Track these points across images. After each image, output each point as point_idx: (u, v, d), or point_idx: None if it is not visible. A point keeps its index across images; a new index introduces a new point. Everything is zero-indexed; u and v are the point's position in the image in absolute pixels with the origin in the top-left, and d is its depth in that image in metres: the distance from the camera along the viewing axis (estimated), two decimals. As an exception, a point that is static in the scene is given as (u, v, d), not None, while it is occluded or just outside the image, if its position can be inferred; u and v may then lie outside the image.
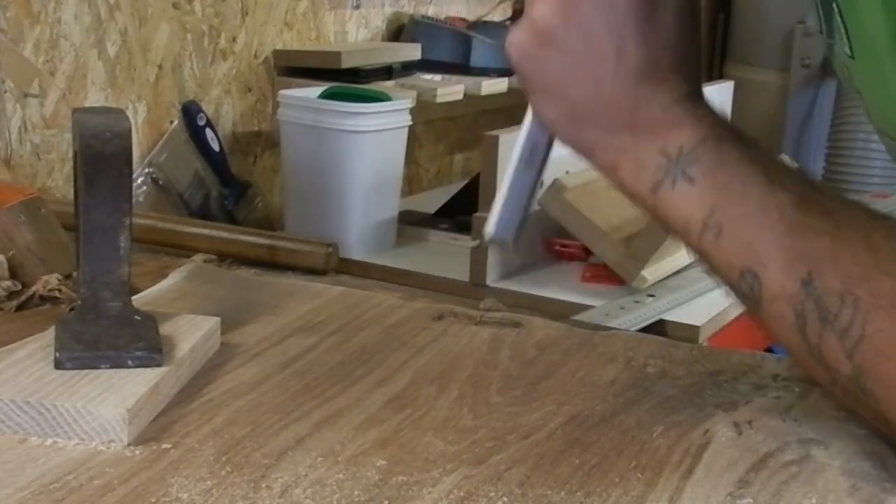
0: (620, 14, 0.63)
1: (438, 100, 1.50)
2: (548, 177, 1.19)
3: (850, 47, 0.64)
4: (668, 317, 1.08)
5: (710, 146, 0.62)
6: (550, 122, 0.67)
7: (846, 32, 0.64)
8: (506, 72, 1.70)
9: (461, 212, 1.35)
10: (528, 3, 0.67)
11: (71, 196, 0.74)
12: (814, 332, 0.57)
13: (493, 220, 0.73)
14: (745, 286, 0.60)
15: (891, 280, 0.54)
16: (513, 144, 0.72)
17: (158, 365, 0.63)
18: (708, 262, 0.62)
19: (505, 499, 0.53)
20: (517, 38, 0.66)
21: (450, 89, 1.53)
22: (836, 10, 0.65)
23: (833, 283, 0.56)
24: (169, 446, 0.58)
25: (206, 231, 1.05)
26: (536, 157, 0.73)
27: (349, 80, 1.43)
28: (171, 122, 1.36)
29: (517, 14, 2.03)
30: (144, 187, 1.32)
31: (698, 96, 0.65)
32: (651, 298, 1.11)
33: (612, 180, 0.66)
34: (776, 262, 0.58)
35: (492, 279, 1.14)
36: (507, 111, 1.92)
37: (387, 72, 1.56)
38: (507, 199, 0.73)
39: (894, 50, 0.60)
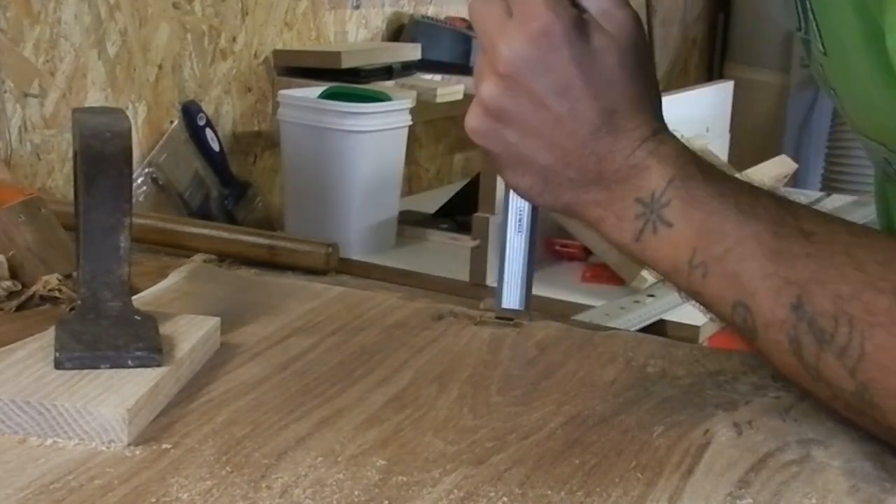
0: (562, 74, 0.64)
1: (438, 100, 1.50)
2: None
3: (823, 44, 0.65)
4: (668, 317, 1.08)
5: (678, 186, 0.62)
6: (526, 193, 0.69)
7: (818, 30, 0.65)
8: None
9: (461, 212, 1.35)
10: (474, 86, 0.68)
11: (71, 196, 0.74)
12: (810, 353, 0.57)
13: (503, 294, 0.78)
14: (738, 318, 0.60)
15: (883, 296, 0.55)
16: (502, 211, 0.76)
17: (158, 365, 0.63)
18: (700, 300, 0.63)
19: (505, 499, 0.53)
20: (472, 122, 0.68)
21: (450, 89, 1.53)
22: (808, 6, 0.65)
23: (824, 304, 0.56)
24: (169, 446, 0.58)
25: (206, 231, 1.05)
26: (525, 223, 0.76)
27: (349, 80, 1.43)
28: (171, 122, 1.36)
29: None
30: (144, 187, 1.32)
31: (660, 130, 0.66)
32: (651, 298, 1.11)
33: (598, 232, 0.67)
34: (763, 290, 0.58)
35: (492, 279, 1.14)
36: (507, 111, 1.92)
37: (387, 72, 1.56)
38: (509, 270, 0.77)
39: (865, 48, 0.60)
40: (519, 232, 0.77)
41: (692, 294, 0.63)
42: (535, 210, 0.77)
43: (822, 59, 0.66)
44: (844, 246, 0.57)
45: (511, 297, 0.79)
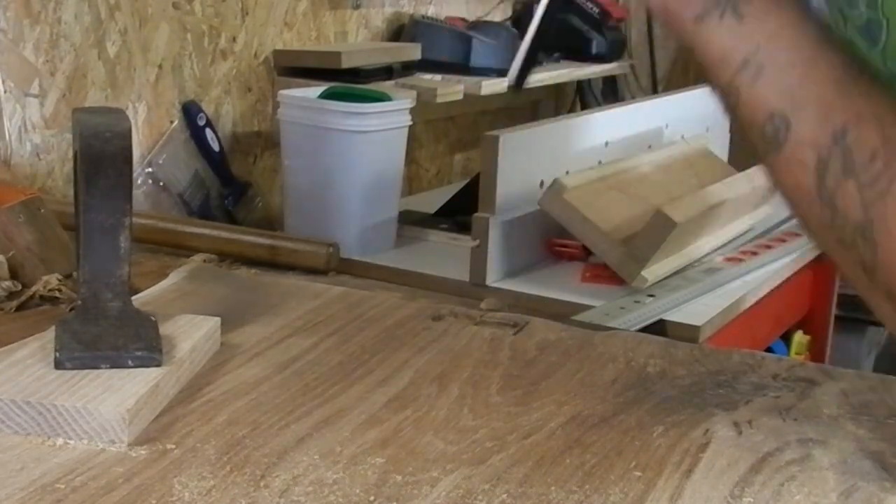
0: None
1: (438, 100, 1.50)
2: (548, 177, 1.19)
3: None
4: (668, 317, 1.08)
5: None
6: None
7: None
8: (506, 72, 1.70)
9: (461, 212, 1.35)
10: None
11: (71, 196, 0.74)
12: (833, 178, 0.58)
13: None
14: (769, 129, 0.60)
15: None
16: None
17: (158, 365, 0.63)
18: (730, 100, 0.62)
19: (505, 498, 0.54)
20: None
21: (450, 89, 1.53)
22: None
23: (870, 139, 0.57)
24: (170, 446, 0.58)
25: (206, 231, 1.05)
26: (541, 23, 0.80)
27: (349, 80, 1.43)
28: (171, 122, 1.35)
29: (517, 14, 2.03)
30: (144, 187, 1.32)
31: None
32: (651, 298, 1.11)
33: (658, 8, 0.65)
34: (813, 111, 0.59)
35: (492, 279, 1.14)
36: (507, 111, 1.92)
37: (387, 72, 1.55)
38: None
39: None
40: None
41: (726, 91, 0.62)
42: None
43: None
44: None
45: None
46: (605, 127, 1.35)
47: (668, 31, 0.66)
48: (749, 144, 0.63)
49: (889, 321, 0.59)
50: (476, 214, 1.15)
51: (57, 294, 0.83)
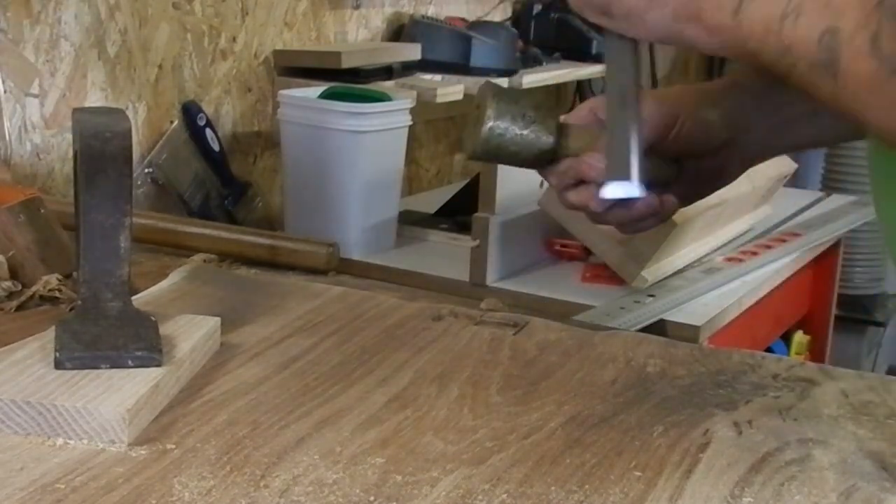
0: None
1: (438, 100, 1.50)
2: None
3: None
4: (668, 317, 1.08)
5: None
6: (634, 8, 0.69)
7: None
8: (506, 72, 1.70)
9: (461, 212, 1.35)
10: None
11: (71, 196, 0.74)
12: (889, 39, 0.58)
13: (613, 170, 0.70)
14: (823, 51, 0.61)
15: None
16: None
17: (158, 365, 0.63)
18: (787, 55, 0.63)
19: (505, 498, 0.54)
20: None
21: (450, 89, 1.53)
22: None
23: None
24: (170, 446, 0.58)
25: (206, 231, 1.05)
26: (628, 98, 0.73)
27: (349, 80, 1.43)
28: (171, 122, 1.36)
29: (517, 14, 2.03)
30: (144, 187, 1.32)
31: None
32: (651, 298, 1.11)
33: (696, 33, 0.67)
34: (851, 4, 0.60)
35: (492, 279, 1.14)
36: (507, 111, 1.92)
37: (387, 72, 1.56)
38: (618, 146, 0.71)
39: None
40: (622, 109, 0.74)
41: (780, 52, 0.64)
42: (635, 84, 0.74)
43: None
44: None
45: (618, 171, 0.70)
46: (605, 127, 1.35)
47: (712, 38, 0.67)
48: (817, 99, 0.63)
49: None
50: (476, 214, 1.15)
51: (57, 294, 0.83)
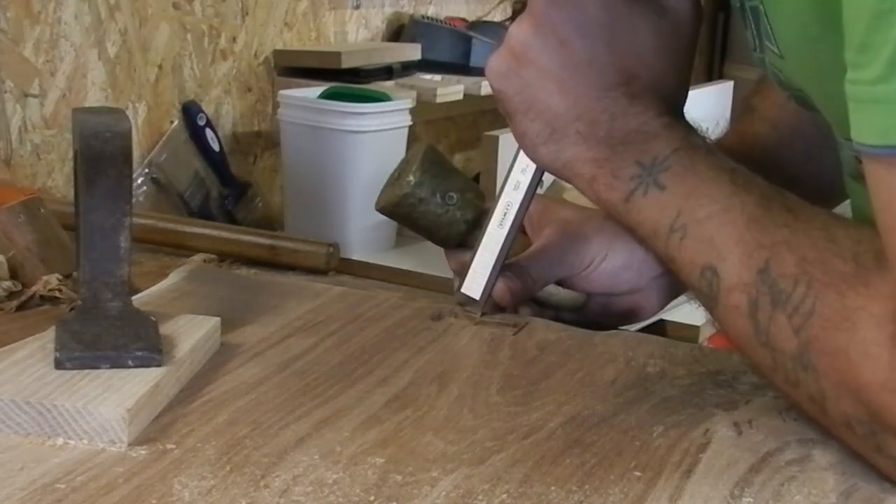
0: (591, 18, 0.65)
1: (438, 100, 1.50)
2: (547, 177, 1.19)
3: (778, 46, 0.65)
4: (668, 317, 1.08)
5: (682, 155, 0.64)
6: (531, 141, 0.69)
7: (772, 31, 0.65)
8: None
9: (461, 212, 1.35)
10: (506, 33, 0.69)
11: (71, 196, 0.74)
12: (765, 315, 0.58)
13: (466, 278, 0.79)
14: (704, 284, 0.61)
15: (843, 262, 0.55)
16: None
17: (158, 365, 0.63)
18: (673, 265, 0.64)
19: (505, 498, 0.53)
20: (493, 61, 0.69)
21: (450, 89, 1.53)
22: (761, 9, 0.65)
23: (788, 266, 0.57)
24: (170, 446, 0.58)
25: (206, 231, 1.05)
26: (509, 218, 0.76)
27: (349, 80, 1.43)
28: (171, 122, 1.36)
29: (517, 14, 2.03)
30: (144, 187, 1.32)
31: (677, 115, 0.66)
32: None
33: (588, 193, 0.68)
34: (735, 254, 0.59)
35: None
36: (507, 111, 1.92)
37: (387, 72, 1.56)
38: (480, 258, 0.77)
39: (824, 36, 0.59)
40: (501, 226, 0.77)
41: (667, 259, 0.64)
42: (523, 206, 0.76)
43: (778, 63, 0.67)
44: (823, 223, 0.58)
45: (472, 285, 0.79)
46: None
47: (602, 210, 0.68)
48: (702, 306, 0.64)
49: (862, 451, 0.57)
50: (476, 214, 1.15)
51: (57, 294, 0.83)
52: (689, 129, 0.66)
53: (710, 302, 0.62)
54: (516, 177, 0.77)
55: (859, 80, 0.51)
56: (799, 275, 0.56)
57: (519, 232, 0.79)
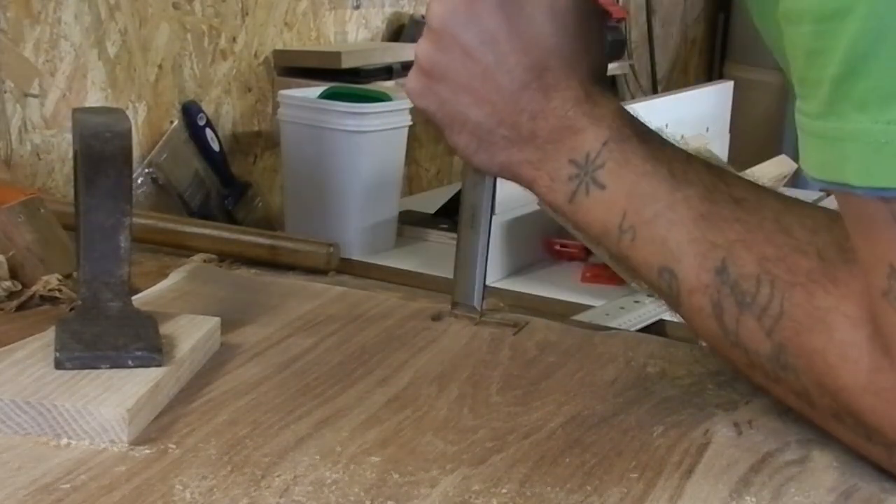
0: (487, 24, 0.64)
1: (438, 100, 1.50)
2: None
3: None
4: (668, 317, 1.08)
5: (613, 148, 0.62)
6: (463, 152, 0.69)
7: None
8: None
9: (461, 212, 1.35)
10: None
11: (71, 196, 0.74)
12: (731, 317, 0.57)
13: (459, 287, 0.79)
14: (663, 284, 0.60)
15: (807, 258, 0.54)
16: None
17: (158, 365, 0.63)
18: (628, 265, 0.63)
19: (505, 498, 0.54)
20: (410, 83, 0.68)
21: (450, 89, 1.53)
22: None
23: (748, 266, 0.56)
24: (170, 446, 0.58)
25: (206, 231, 1.05)
26: (478, 219, 0.77)
27: (349, 80, 1.43)
28: (171, 122, 1.36)
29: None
30: (144, 187, 1.32)
31: (597, 94, 0.65)
32: (651, 298, 1.10)
33: (536, 196, 0.67)
34: (689, 255, 0.58)
35: (491, 279, 1.14)
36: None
37: (387, 72, 1.55)
38: (462, 266, 0.78)
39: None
40: (474, 230, 0.77)
41: (621, 259, 0.63)
42: (488, 203, 0.77)
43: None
44: (774, 213, 0.57)
45: (467, 292, 0.79)
46: (604, 127, 1.35)
47: (555, 216, 0.67)
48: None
49: (852, 443, 0.57)
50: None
51: (57, 294, 0.83)
52: (615, 113, 0.64)
53: (672, 302, 0.61)
54: (474, 176, 0.77)
55: (803, 111, 0.51)
56: (761, 274, 0.55)
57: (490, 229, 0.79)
